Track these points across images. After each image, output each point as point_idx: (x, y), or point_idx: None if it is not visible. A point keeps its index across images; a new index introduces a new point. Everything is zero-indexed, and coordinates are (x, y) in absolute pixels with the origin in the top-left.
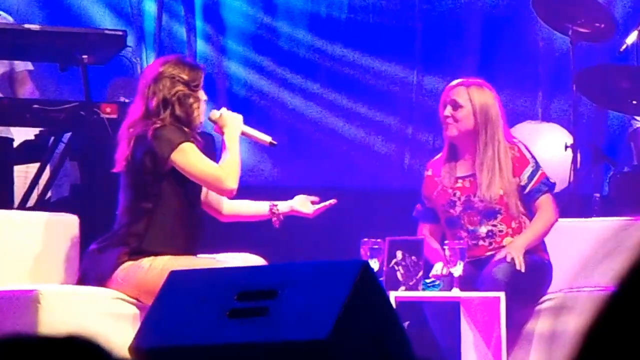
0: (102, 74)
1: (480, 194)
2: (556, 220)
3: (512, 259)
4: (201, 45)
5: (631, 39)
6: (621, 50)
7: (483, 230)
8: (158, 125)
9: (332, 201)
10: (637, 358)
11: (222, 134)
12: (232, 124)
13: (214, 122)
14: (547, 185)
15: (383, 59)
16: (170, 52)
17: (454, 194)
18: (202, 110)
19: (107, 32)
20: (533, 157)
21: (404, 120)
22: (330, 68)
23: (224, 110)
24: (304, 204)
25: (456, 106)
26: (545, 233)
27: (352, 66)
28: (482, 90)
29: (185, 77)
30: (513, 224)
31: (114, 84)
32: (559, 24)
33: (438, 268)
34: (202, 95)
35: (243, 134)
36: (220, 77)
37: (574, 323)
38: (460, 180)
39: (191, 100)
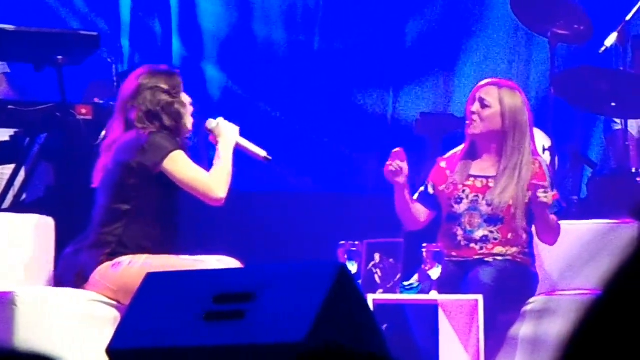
0: (78, 75)
1: (490, 197)
2: (555, 239)
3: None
4: (177, 47)
5: (610, 41)
6: (600, 52)
7: (479, 233)
8: (148, 132)
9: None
10: None
11: (217, 143)
12: (228, 134)
13: (210, 131)
14: (558, 207)
15: (362, 57)
16: (144, 56)
17: (463, 191)
18: (190, 115)
19: (81, 32)
20: (550, 177)
21: (381, 122)
22: (307, 70)
23: (220, 120)
24: None
25: (484, 104)
26: (550, 229)
27: (329, 69)
28: (513, 93)
29: (164, 85)
30: (509, 235)
31: (90, 85)
32: (538, 26)
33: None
34: (185, 98)
35: (238, 146)
36: (196, 79)
37: (558, 326)
38: (472, 179)
39: (176, 106)
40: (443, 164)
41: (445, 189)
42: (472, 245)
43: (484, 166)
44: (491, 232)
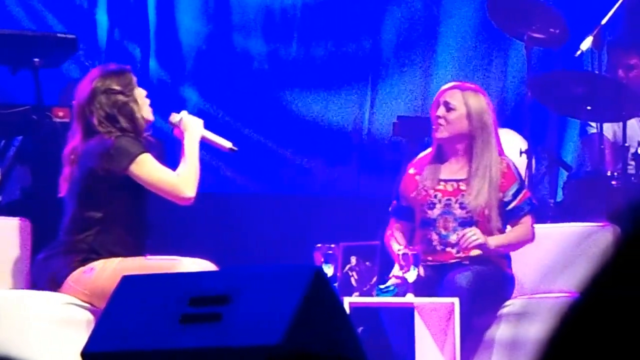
0: (55, 78)
1: (466, 201)
2: (531, 241)
3: (478, 239)
4: (154, 66)
5: (586, 44)
6: (576, 55)
7: (454, 237)
8: (112, 136)
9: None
10: None
11: (182, 137)
12: (193, 128)
13: (174, 125)
14: (530, 205)
15: (339, 63)
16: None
17: (435, 196)
18: (146, 107)
19: (59, 35)
20: (520, 175)
21: (359, 124)
22: (284, 74)
23: (184, 113)
24: None
25: (449, 108)
26: (517, 245)
27: (305, 69)
28: (477, 95)
29: (116, 86)
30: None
31: (66, 88)
32: (514, 30)
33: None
34: (140, 93)
35: (203, 138)
36: (173, 99)
37: (536, 329)
38: (442, 183)
39: (131, 105)
40: (412, 171)
41: (416, 195)
42: (449, 249)
43: (453, 169)
44: None
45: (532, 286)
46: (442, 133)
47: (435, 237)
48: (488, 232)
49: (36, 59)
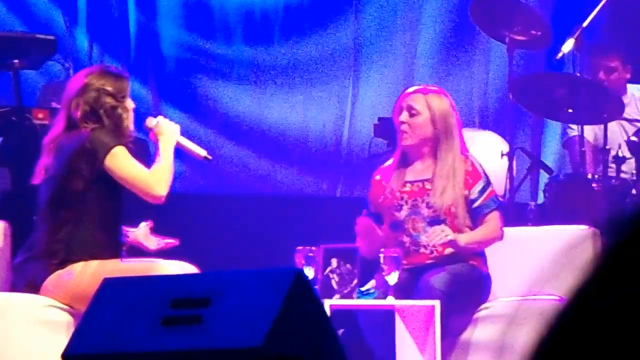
0: (34, 79)
1: (431, 200)
2: (500, 237)
3: (447, 235)
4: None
5: (567, 47)
6: (557, 57)
7: (425, 238)
8: (92, 129)
9: (174, 241)
10: None
11: (157, 141)
12: (169, 133)
13: (150, 129)
14: (496, 202)
15: (321, 63)
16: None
17: (401, 198)
18: (131, 119)
19: (38, 36)
20: (485, 173)
21: (339, 126)
22: (264, 77)
23: (161, 118)
24: (147, 237)
25: (413, 113)
26: (487, 242)
27: (285, 71)
28: (440, 97)
29: (110, 88)
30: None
31: (46, 89)
32: (495, 32)
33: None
34: (129, 104)
35: (178, 145)
36: (153, 65)
37: (525, 334)
38: (408, 185)
39: (119, 111)
40: (378, 177)
41: (384, 200)
42: (422, 250)
43: (418, 170)
44: None
45: (512, 288)
46: (407, 140)
47: (406, 238)
48: (457, 230)
49: (16, 60)
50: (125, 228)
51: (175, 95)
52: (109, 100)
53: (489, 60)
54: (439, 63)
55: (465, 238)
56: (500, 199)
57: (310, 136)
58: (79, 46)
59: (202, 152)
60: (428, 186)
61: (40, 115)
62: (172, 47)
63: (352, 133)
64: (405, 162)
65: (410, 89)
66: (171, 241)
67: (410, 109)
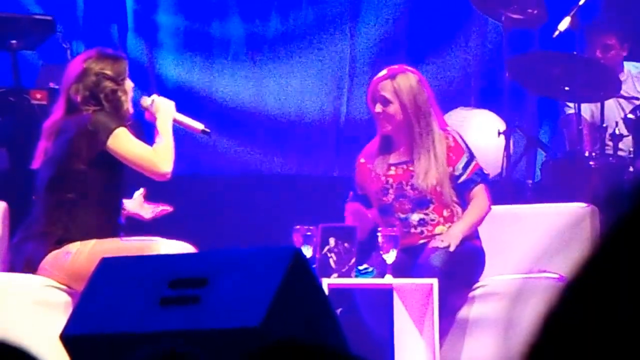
0: (32, 60)
1: (415, 182)
2: (489, 210)
3: (448, 245)
4: (132, 43)
5: (564, 25)
6: (554, 36)
7: (415, 218)
8: (93, 111)
9: (168, 208)
10: (596, 345)
11: (154, 120)
12: (165, 110)
13: (145, 108)
14: (481, 176)
15: (316, 37)
16: (97, 39)
17: (387, 182)
18: (131, 101)
19: (36, 17)
20: (467, 147)
21: (336, 105)
22: (261, 52)
23: (155, 97)
24: (141, 206)
25: (385, 102)
26: (479, 222)
27: (282, 49)
28: (407, 77)
29: (109, 72)
30: (445, 213)
31: (44, 70)
32: (491, 10)
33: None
34: (129, 84)
35: (175, 121)
36: (150, 60)
37: (527, 312)
38: (393, 168)
39: (119, 94)
40: (362, 160)
41: (370, 183)
42: (412, 230)
43: (400, 153)
44: (426, 214)
45: (510, 267)
46: (386, 127)
47: (396, 221)
48: (446, 207)
49: (13, 41)
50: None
51: (171, 73)
52: (108, 84)
53: (485, 39)
54: (434, 41)
55: (460, 228)
56: (486, 172)
57: (307, 116)
58: (77, 26)
59: (200, 126)
60: (412, 167)
61: (39, 96)
62: (167, 29)
63: (349, 112)
64: (387, 145)
65: (379, 75)
66: (166, 208)
67: (382, 99)
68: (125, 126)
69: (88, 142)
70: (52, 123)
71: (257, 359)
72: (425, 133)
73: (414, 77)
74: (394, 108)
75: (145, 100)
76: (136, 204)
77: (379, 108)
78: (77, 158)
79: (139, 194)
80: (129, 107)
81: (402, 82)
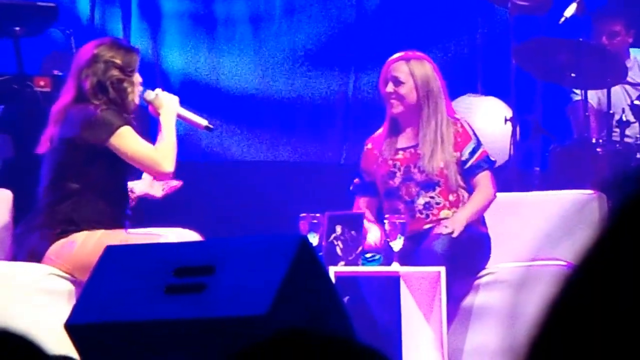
0: (35, 47)
1: (421, 164)
2: (494, 198)
3: (452, 231)
4: (136, 28)
5: (570, 11)
6: (560, 22)
7: (421, 201)
8: (97, 108)
9: (178, 183)
10: (602, 332)
11: (158, 115)
12: (168, 105)
13: (149, 102)
14: (487, 163)
15: (324, 34)
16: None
17: (394, 165)
18: (137, 94)
19: (39, 4)
20: (475, 134)
21: (343, 92)
22: (269, 44)
23: (159, 91)
24: (151, 186)
25: (397, 82)
26: (484, 209)
27: (291, 41)
28: (422, 63)
29: (119, 61)
30: (451, 197)
31: (48, 57)
32: None
33: (373, 237)
34: (137, 78)
35: (178, 116)
36: (154, 52)
37: (537, 297)
38: (400, 152)
39: (125, 84)
40: (369, 146)
41: (377, 168)
42: (417, 215)
43: (409, 137)
44: (432, 197)
45: (517, 254)
46: (397, 108)
47: (401, 205)
48: (452, 192)
49: (17, 28)
50: (129, 183)
51: (176, 62)
52: (116, 73)
53: (491, 26)
54: (440, 28)
55: (464, 214)
56: (493, 159)
57: (314, 103)
58: (80, 13)
59: (203, 122)
60: (419, 151)
61: (42, 83)
62: (173, 15)
63: (356, 99)
64: (395, 130)
65: (393, 57)
66: (175, 183)
67: (394, 79)
68: (130, 123)
69: (91, 137)
70: (60, 109)
71: (265, 348)
72: (434, 116)
73: (428, 64)
74: (405, 89)
75: (149, 94)
76: (145, 184)
77: (390, 88)
78: (81, 150)
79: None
80: (134, 98)
81: (417, 66)
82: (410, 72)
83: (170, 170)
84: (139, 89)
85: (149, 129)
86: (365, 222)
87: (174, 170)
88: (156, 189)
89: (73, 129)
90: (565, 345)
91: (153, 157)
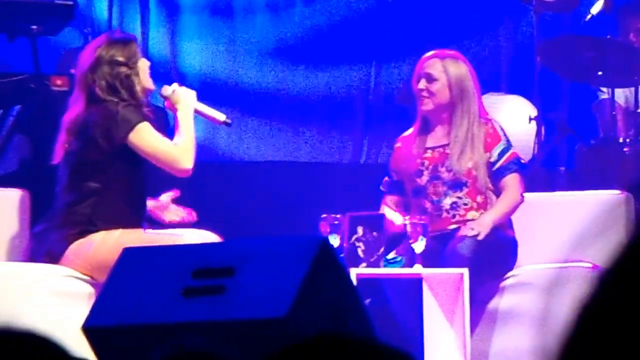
0: (52, 45)
1: (450, 164)
2: (521, 201)
3: (477, 234)
4: (154, 21)
5: (596, 8)
6: (586, 20)
7: (447, 201)
8: (115, 105)
9: (191, 218)
10: (636, 334)
11: (175, 110)
12: (185, 101)
13: (166, 98)
14: (517, 164)
15: (344, 28)
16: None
17: (422, 164)
18: (145, 77)
19: (56, 2)
20: (506, 136)
21: (363, 95)
22: (288, 38)
23: (176, 86)
24: (163, 209)
25: (431, 79)
26: (511, 212)
27: (308, 40)
28: (457, 62)
29: (121, 58)
30: (478, 198)
31: (65, 56)
32: None
33: (396, 219)
34: (143, 63)
35: (196, 111)
36: (172, 48)
37: (568, 300)
38: (429, 151)
39: (132, 77)
40: (398, 145)
41: (406, 167)
42: (444, 214)
43: (438, 136)
44: (459, 197)
45: (542, 255)
46: (427, 105)
47: (428, 204)
48: (480, 193)
49: (34, 27)
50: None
51: (194, 58)
52: (122, 69)
53: (515, 23)
54: (464, 26)
55: (491, 217)
56: (523, 161)
57: (333, 99)
58: (97, 11)
59: (221, 117)
60: (448, 150)
61: (59, 82)
62: (191, 9)
63: (377, 98)
64: (425, 128)
65: (428, 54)
66: (187, 216)
67: (427, 76)
68: (148, 119)
69: (110, 135)
70: (74, 117)
71: (296, 352)
72: (466, 116)
73: (464, 63)
74: (437, 86)
75: (166, 90)
76: (157, 207)
77: (422, 84)
78: (100, 150)
79: (167, 195)
80: (144, 85)
81: (451, 64)
82: (444, 69)
83: (189, 166)
84: (145, 72)
85: (167, 128)
86: (387, 210)
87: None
88: (169, 214)
89: (94, 128)
90: (599, 346)
91: (172, 154)
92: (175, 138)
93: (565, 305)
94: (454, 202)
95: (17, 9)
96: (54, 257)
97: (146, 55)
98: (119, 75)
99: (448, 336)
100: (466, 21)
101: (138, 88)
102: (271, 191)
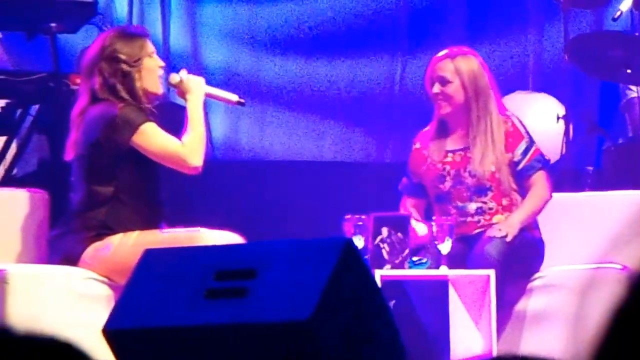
0: (72, 44)
1: (472, 168)
2: (550, 198)
3: (505, 235)
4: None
5: (625, 5)
6: (615, 17)
7: (472, 206)
8: (114, 106)
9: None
10: None
11: (185, 99)
12: (195, 88)
13: (175, 86)
14: (541, 162)
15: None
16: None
17: (444, 169)
18: (156, 77)
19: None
20: (527, 132)
21: (389, 90)
22: (311, 36)
23: (183, 73)
24: None
25: (444, 82)
26: (539, 211)
27: (331, 32)
28: (468, 59)
29: (124, 55)
30: (504, 201)
31: (84, 54)
32: None
33: (420, 229)
34: (151, 63)
35: (207, 95)
36: (191, 24)
37: (600, 302)
38: (450, 155)
39: (134, 75)
40: (417, 146)
41: (426, 170)
42: (469, 219)
43: (457, 138)
44: (484, 202)
45: (570, 256)
46: (445, 109)
47: (453, 210)
48: (505, 195)
49: (53, 24)
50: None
51: (216, 53)
52: (123, 67)
53: (543, 20)
54: (492, 24)
55: (518, 217)
56: (547, 157)
57: (357, 95)
58: (118, 8)
59: (234, 98)
60: (469, 154)
61: (78, 81)
62: (212, 6)
63: (402, 96)
64: (444, 130)
65: (438, 55)
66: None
67: (440, 79)
68: (152, 119)
69: (114, 138)
70: (78, 113)
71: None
72: (484, 116)
73: (475, 59)
74: (452, 88)
75: (174, 78)
76: None
77: (437, 88)
78: (108, 153)
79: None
80: (146, 87)
81: (463, 63)
82: (457, 70)
83: (198, 164)
84: (156, 73)
85: (179, 126)
86: (412, 221)
87: (212, 167)
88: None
89: (95, 132)
90: (635, 350)
91: (180, 153)
92: (184, 134)
93: (597, 308)
94: (479, 207)
95: (36, 6)
96: (71, 260)
97: (167, 50)
98: (117, 72)
99: (474, 339)
100: (494, 18)
101: (138, 89)
102: (294, 192)
